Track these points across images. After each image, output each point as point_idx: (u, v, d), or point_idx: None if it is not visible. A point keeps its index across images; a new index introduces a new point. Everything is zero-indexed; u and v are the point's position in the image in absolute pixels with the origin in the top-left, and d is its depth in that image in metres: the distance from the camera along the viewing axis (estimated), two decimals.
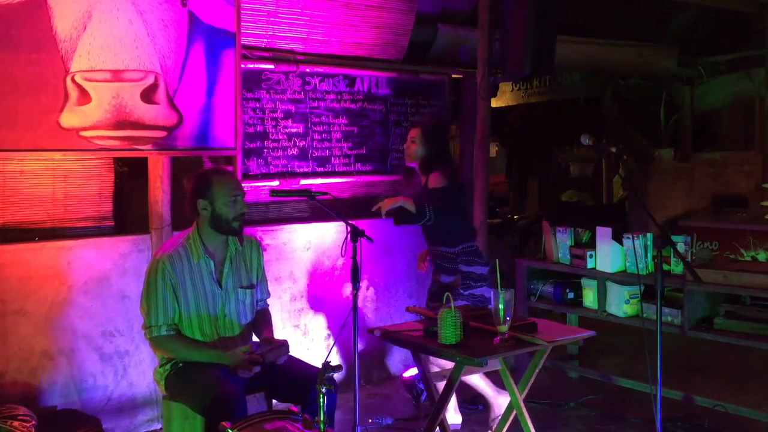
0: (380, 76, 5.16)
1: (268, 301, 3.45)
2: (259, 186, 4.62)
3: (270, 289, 3.46)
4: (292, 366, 3.15)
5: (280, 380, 3.12)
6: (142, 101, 3.81)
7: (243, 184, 4.43)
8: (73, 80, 3.61)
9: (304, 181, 4.80)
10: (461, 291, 3.86)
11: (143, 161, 4.05)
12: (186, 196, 3.17)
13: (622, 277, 4.60)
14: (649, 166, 7.92)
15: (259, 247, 3.36)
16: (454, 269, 3.92)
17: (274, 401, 3.28)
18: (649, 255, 4.47)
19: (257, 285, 3.33)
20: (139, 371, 4.06)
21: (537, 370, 3.56)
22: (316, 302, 4.80)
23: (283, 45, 4.66)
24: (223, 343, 3.15)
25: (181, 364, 3.09)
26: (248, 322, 3.27)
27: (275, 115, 4.67)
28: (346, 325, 4.76)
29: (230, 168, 4.36)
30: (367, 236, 3.12)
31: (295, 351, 3.31)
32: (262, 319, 3.34)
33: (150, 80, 3.83)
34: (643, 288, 4.30)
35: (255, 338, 3.30)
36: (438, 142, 3.99)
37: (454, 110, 5.87)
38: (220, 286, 3.16)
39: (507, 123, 10.58)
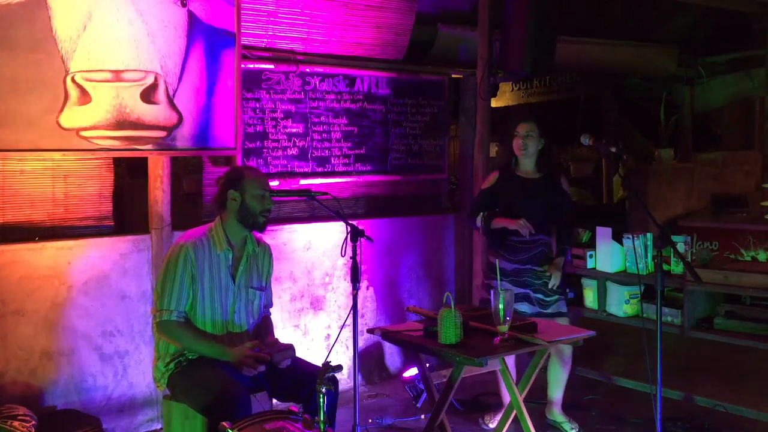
0: (380, 76, 5.16)
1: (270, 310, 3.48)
2: None
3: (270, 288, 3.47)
4: (294, 365, 3.16)
5: (281, 379, 3.13)
6: (142, 101, 3.81)
7: None
8: (73, 80, 3.60)
9: (303, 181, 4.80)
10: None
11: (143, 161, 4.05)
12: (217, 188, 3.26)
13: (622, 277, 4.59)
14: (649, 166, 7.91)
15: (271, 254, 3.41)
16: None
17: (274, 401, 3.29)
18: (649, 255, 4.47)
19: (265, 289, 3.36)
20: (139, 371, 4.06)
21: (537, 370, 3.56)
22: (316, 302, 4.80)
23: (283, 45, 4.66)
24: (230, 339, 3.16)
25: (185, 363, 3.09)
26: (254, 324, 3.30)
27: (275, 115, 4.67)
28: (346, 325, 4.78)
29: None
30: (367, 236, 3.13)
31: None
32: (264, 326, 3.36)
33: (150, 80, 3.83)
34: (643, 288, 4.30)
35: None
36: (546, 136, 4.11)
37: (454, 110, 5.87)
38: (234, 281, 3.19)
39: (506, 123, 10.57)
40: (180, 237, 3.24)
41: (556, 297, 4.00)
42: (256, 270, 3.30)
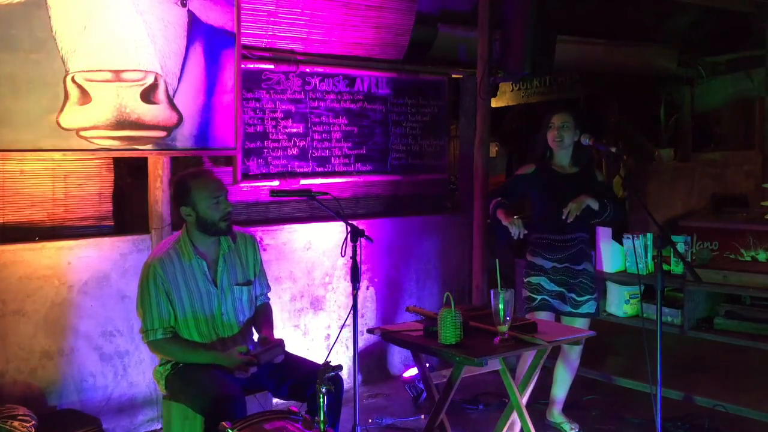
0: (380, 76, 5.16)
1: (269, 295, 3.44)
2: (259, 186, 4.62)
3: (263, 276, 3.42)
4: (296, 364, 3.16)
5: (283, 378, 3.12)
6: (142, 101, 3.81)
7: (243, 184, 4.49)
8: (73, 80, 3.60)
9: (304, 181, 4.80)
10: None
11: (143, 161, 4.05)
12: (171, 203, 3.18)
13: (622, 277, 4.60)
14: (649, 166, 7.92)
15: (254, 242, 3.34)
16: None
17: (275, 400, 3.28)
18: (649, 255, 4.47)
19: (255, 281, 3.31)
20: (139, 371, 4.06)
21: (537, 371, 3.56)
22: (316, 302, 4.80)
23: (283, 45, 4.66)
24: (222, 344, 3.15)
25: (181, 364, 3.09)
26: (246, 319, 3.26)
27: (275, 115, 4.67)
28: (346, 325, 4.78)
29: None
30: (367, 236, 3.13)
31: (295, 351, 3.31)
32: (262, 315, 3.33)
33: (150, 80, 3.83)
34: (643, 288, 4.31)
35: (255, 335, 3.30)
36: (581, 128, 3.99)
37: (454, 110, 5.88)
38: (216, 284, 3.16)
39: (503, 123, 10.55)
40: (150, 254, 3.21)
41: (588, 297, 3.95)
42: (239, 265, 3.25)
